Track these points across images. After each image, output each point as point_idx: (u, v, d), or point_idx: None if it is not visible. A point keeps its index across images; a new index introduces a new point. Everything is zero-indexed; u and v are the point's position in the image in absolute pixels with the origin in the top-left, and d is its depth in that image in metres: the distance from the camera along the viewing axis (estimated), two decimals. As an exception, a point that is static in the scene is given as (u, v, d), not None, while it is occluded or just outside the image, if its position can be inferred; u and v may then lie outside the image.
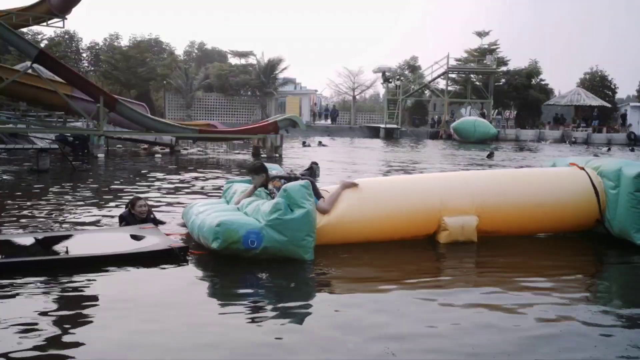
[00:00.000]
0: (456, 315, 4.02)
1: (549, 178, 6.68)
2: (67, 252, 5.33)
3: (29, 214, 7.27)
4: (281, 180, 5.96)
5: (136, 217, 6.22)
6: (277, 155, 17.29)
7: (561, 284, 4.94)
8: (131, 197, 7.04)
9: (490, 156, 19.75)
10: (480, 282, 4.96)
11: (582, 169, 6.65)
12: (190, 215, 6.00)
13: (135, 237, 5.63)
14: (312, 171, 11.57)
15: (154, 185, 10.50)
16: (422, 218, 6.09)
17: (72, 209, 7.78)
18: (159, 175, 12.31)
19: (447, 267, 5.57)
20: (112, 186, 10.37)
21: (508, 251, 6.02)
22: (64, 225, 6.67)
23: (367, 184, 6.34)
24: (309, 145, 24.39)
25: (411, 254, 5.84)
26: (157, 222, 6.37)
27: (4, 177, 11.37)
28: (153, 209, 7.01)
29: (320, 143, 25.91)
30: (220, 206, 6.09)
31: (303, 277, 5.03)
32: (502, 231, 6.32)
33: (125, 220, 6.20)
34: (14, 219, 6.95)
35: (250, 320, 3.88)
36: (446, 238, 6.03)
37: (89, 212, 7.57)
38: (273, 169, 6.65)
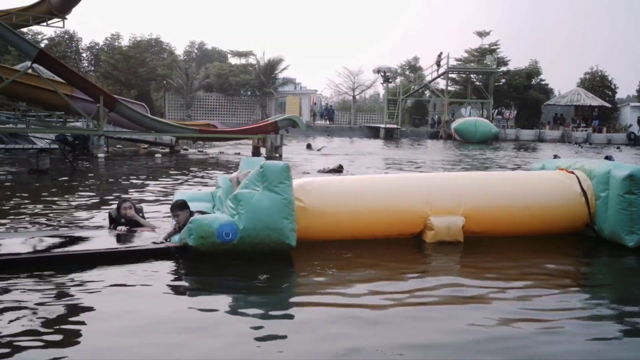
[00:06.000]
0: (442, 316, 4.07)
1: (538, 181, 6.68)
2: (62, 249, 5.33)
3: (29, 214, 7.30)
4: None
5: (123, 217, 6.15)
6: (277, 155, 17.28)
7: (549, 284, 4.95)
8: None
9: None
10: (466, 284, 4.85)
11: (572, 172, 6.62)
12: None
13: (132, 236, 5.68)
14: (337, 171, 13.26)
15: (152, 186, 10.53)
16: (408, 217, 6.09)
17: (71, 209, 7.81)
18: (158, 175, 12.35)
19: (432, 268, 5.47)
20: (112, 186, 10.37)
21: (495, 251, 6.00)
22: (63, 225, 6.69)
23: (355, 181, 6.33)
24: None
25: (397, 253, 5.80)
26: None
27: (4, 177, 11.37)
28: (151, 209, 7.00)
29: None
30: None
31: (297, 276, 5.10)
32: (489, 232, 6.31)
33: (113, 219, 6.15)
34: (14, 219, 6.97)
35: (244, 319, 3.91)
36: (432, 238, 6.04)
37: (88, 212, 7.60)
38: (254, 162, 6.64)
